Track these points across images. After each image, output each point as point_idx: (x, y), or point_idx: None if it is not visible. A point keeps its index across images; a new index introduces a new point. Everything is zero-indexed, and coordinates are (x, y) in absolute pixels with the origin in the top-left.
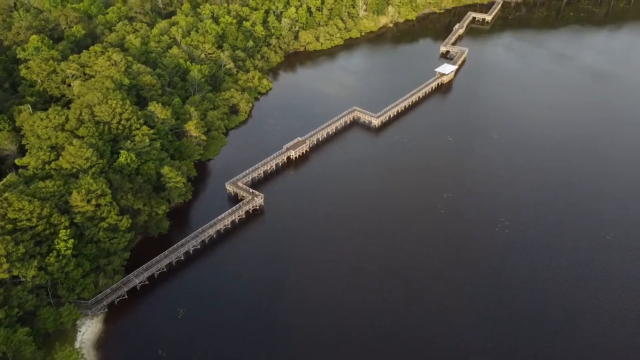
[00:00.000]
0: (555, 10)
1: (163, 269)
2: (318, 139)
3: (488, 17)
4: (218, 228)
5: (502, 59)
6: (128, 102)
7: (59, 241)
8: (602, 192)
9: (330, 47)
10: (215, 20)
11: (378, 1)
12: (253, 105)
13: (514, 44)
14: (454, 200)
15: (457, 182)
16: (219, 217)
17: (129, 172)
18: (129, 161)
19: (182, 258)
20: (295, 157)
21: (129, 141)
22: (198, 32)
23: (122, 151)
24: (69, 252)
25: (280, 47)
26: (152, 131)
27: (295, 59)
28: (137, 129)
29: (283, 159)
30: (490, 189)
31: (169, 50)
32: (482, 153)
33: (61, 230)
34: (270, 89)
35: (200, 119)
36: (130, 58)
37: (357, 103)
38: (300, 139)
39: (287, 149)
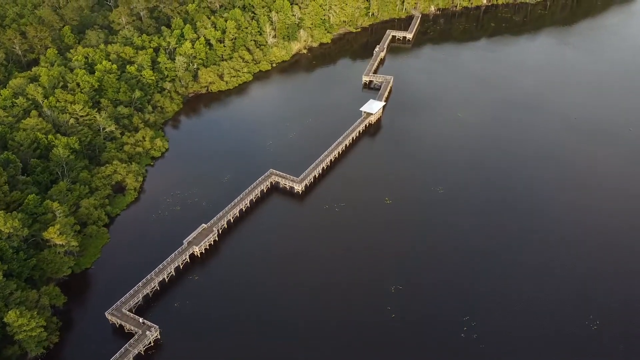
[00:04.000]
0: (475, 20)
1: None
2: (229, 221)
3: (409, 35)
4: None
5: (430, 86)
6: None
7: None
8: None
9: (237, 85)
10: (91, 66)
11: (288, 25)
12: (144, 178)
13: (439, 69)
14: (405, 296)
15: (405, 267)
16: None
17: None
18: None
19: None
20: (201, 253)
21: None
22: (66, 88)
23: None
24: None
25: (176, 92)
26: None
27: (196, 104)
28: None
29: (185, 259)
30: (444, 273)
31: (24, 120)
32: (427, 220)
33: None
34: (167, 149)
35: (71, 213)
36: None
37: (274, 161)
38: (205, 226)
39: (189, 244)
